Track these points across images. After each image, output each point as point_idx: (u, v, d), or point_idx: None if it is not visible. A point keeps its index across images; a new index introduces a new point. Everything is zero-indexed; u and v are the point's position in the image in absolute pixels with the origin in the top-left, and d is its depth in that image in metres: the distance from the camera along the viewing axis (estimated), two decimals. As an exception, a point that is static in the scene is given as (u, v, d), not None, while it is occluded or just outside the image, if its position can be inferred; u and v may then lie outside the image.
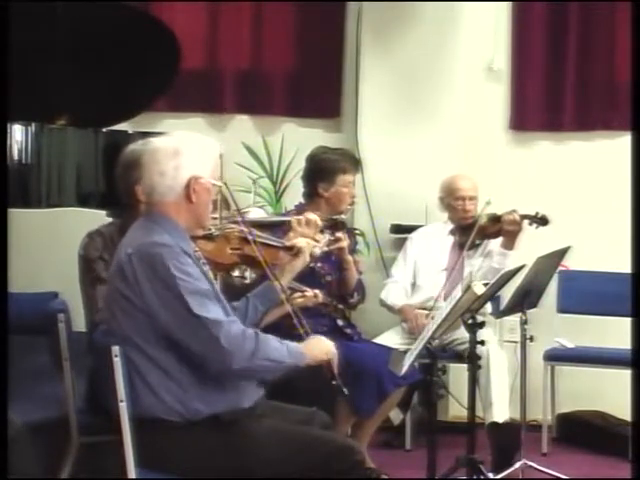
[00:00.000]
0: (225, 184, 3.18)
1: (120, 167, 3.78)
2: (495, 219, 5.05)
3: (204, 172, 3.11)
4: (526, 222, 5.01)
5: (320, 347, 3.18)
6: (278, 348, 3.04)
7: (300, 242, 3.42)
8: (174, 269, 2.96)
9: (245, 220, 3.34)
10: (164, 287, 2.96)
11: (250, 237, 3.28)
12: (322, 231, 3.89)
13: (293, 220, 3.79)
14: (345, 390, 3.23)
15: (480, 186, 5.29)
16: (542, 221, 4.98)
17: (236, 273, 3.66)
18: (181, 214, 3.10)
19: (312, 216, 3.83)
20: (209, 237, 3.28)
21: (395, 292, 5.28)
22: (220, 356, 2.95)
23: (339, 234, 4.33)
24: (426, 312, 5.03)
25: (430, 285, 5.20)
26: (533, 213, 4.99)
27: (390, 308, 5.28)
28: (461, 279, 4.80)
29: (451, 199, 5.29)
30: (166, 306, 2.97)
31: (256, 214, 4.16)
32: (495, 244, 5.14)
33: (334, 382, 3.21)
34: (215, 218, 3.29)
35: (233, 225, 3.38)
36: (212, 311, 2.98)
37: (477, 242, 5.14)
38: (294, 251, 3.39)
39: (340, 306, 4.68)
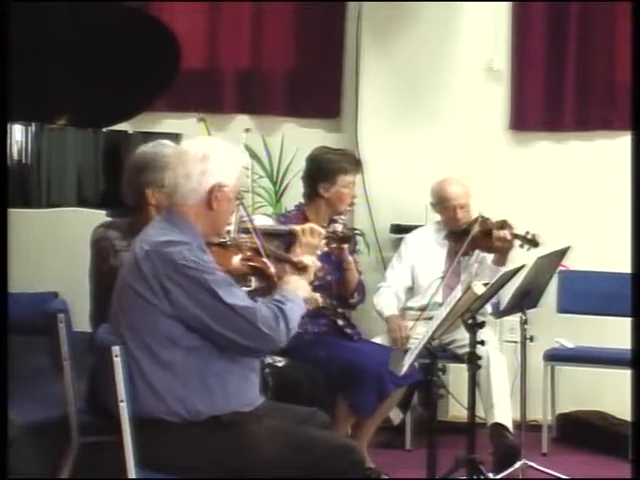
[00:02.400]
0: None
1: (130, 170, 3.76)
2: (488, 232, 4.96)
3: (229, 180, 3.13)
4: (517, 242, 4.95)
5: (301, 287, 3.24)
6: (295, 311, 3.11)
7: (307, 260, 3.43)
8: (197, 265, 2.99)
9: (256, 229, 3.34)
10: (191, 283, 2.98)
11: (262, 249, 3.29)
12: (329, 244, 3.90)
13: (298, 230, 3.79)
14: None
15: (479, 186, 5.28)
16: (532, 242, 4.87)
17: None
18: (199, 219, 3.12)
19: (315, 227, 3.83)
20: (223, 245, 3.29)
21: (386, 298, 5.21)
22: (262, 341, 3.03)
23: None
24: (411, 324, 4.97)
25: (428, 290, 5.19)
26: (523, 233, 4.89)
27: (380, 314, 5.22)
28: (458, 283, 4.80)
29: (442, 207, 5.25)
30: (199, 302, 2.98)
31: (261, 221, 4.16)
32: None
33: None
34: (229, 224, 3.30)
35: (246, 236, 3.39)
36: (241, 298, 3.03)
37: (470, 252, 5.09)
38: (300, 267, 3.40)
39: (340, 310, 4.68)
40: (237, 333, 3.00)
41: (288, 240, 3.80)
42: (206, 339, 3.02)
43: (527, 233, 4.90)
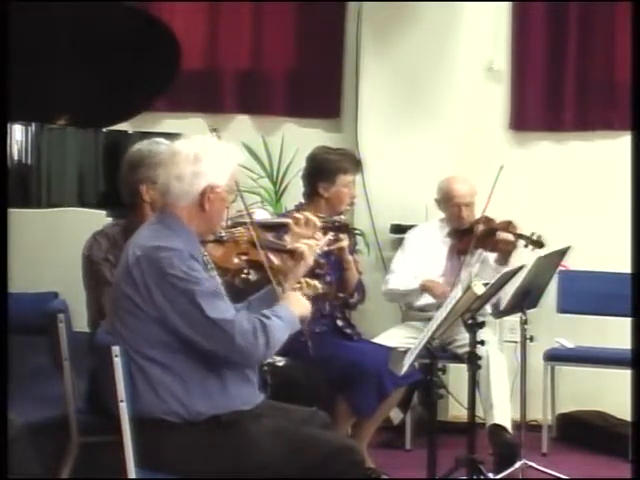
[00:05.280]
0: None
1: (125, 167, 3.78)
2: (492, 231, 4.98)
3: (221, 180, 3.10)
4: (521, 242, 4.96)
5: (300, 304, 3.22)
6: (282, 328, 3.08)
7: (301, 247, 3.41)
8: (184, 274, 2.97)
9: (253, 222, 3.33)
10: (175, 292, 2.97)
11: (258, 243, 3.28)
12: (325, 233, 3.89)
13: (291, 221, 3.79)
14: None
15: (479, 186, 5.27)
16: (537, 244, 4.87)
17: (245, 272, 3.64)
18: (193, 219, 3.10)
19: (311, 217, 3.83)
20: (219, 241, 3.28)
21: (404, 278, 5.20)
22: (238, 355, 3.00)
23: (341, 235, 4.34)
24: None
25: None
26: (529, 234, 4.89)
27: (405, 294, 5.18)
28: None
29: (447, 204, 5.26)
30: (179, 310, 2.98)
31: (260, 215, 4.17)
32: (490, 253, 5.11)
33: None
34: (225, 220, 3.30)
35: (242, 230, 3.38)
36: (223, 311, 3.00)
37: (472, 251, 5.10)
38: (295, 255, 3.39)
39: (341, 294, 4.65)
40: (214, 345, 2.99)
41: (283, 232, 3.80)
42: (175, 351, 3.01)
43: (532, 234, 4.90)
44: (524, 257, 4.79)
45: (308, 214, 3.84)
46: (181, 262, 2.98)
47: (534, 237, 4.90)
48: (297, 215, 3.86)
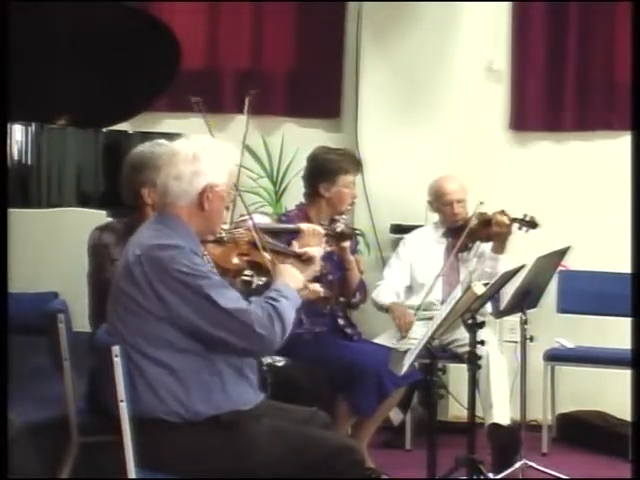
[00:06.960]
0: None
1: (127, 169, 3.78)
2: (485, 222, 5.03)
3: (220, 179, 3.11)
4: (515, 225, 4.99)
5: (294, 278, 3.23)
6: (290, 307, 3.10)
7: (312, 251, 3.42)
8: (189, 269, 2.97)
9: (256, 225, 3.33)
10: (184, 287, 2.97)
11: (259, 244, 3.28)
12: (328, 240, 3.91)
13: (302, 228, 3.80)
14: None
15: (479, 186, 5.28)
16: (531, 224, 4.93)
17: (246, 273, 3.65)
18: (193, 219, 3.11)
19: (317, 227, 3.85)
20: (219, 241, 3.28)
21: (385, 292, 5.23)
22: (258, 343, 3.01)
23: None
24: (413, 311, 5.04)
25: (426, 289, 5.19)
26: (521, 216, 4.96)
27: (380, 307, 5.23)
28: (457, 282, 4.81)
29: (439, 203, 5.28)
30: (192, 306, 2.97)
31: (259, 219, 4.17)
32: (487, 246, 5.13)
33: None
34: (225, 223, 3.30)
35: (243, 231, 3.38)
36: (235, 300, 3.01)
37: (469, 245, 5.13)
38: (304, 257, 3.40)
39: (341, 299, 4.67)
40: (233, 335, 2.99)
41: (288, 238, 3.80)
42: (201, 342, 3.02)
43: (525, 216, 4.95)
44: (522, 254, 4.80)
45: (314, 226, 3.86)
46: (184, 258, 2.99)
47: (527, 218, 4.94)
48: (307, 225, 3.88)
